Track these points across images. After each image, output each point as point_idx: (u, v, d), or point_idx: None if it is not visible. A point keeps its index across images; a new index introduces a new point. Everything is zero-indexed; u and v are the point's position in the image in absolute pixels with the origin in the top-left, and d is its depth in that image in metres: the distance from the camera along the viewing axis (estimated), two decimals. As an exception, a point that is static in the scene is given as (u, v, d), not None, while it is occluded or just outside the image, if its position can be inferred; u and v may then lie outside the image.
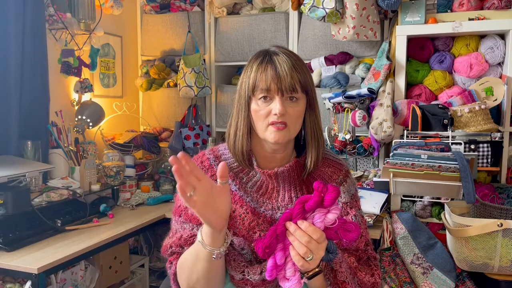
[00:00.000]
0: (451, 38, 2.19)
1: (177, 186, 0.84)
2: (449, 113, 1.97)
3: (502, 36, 2.11)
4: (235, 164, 1.13)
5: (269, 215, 1.09)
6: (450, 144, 1.90)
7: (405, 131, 2.03)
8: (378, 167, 2.39)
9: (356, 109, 2.15)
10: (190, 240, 1.06)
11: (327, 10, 2.16)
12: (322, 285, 0.98)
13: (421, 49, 2.22)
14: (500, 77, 2.09)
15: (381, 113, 2.09)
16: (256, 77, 1.03)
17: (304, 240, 0.87)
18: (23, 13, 2.03)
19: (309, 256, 0.87)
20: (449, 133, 1.94)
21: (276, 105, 1.01)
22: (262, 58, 1.05)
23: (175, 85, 2.76)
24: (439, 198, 2.05)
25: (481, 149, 1.96)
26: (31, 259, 1.60)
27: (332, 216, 0.88)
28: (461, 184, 1.72)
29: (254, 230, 1.07)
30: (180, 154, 0.85)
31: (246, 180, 1.13)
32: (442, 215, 1.89)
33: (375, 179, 2.15)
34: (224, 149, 1.16)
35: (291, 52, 1.07)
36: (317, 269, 0.91)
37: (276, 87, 1.01)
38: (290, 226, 0.90)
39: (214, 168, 1.14)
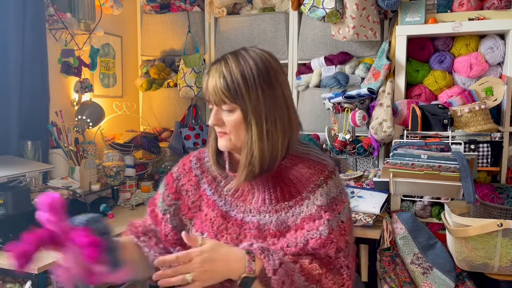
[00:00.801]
0: (451, 38, 2.19)
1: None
2: (449, 113, 1.97)
3: (502, 36, 2.11)
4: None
5: (239, 218, 1.09)
6: (450, 144, 1.90)
7: (405, 131, 2.03)
8: (378, 167, 2.39)
9: (356, 109, 2.16)
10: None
11: (327, 10, 2.16)
12: None
13: (421, 49, 2.22)
14: (500, 77, 2.09)
15: (381, 113, 2.09)
16: (203, 87, 1.08)
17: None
18: (23, 13, 2.03)
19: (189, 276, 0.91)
20: (449, 133, 1.94)
21: (211, 117, 1.06)
22: (210, 65, 1.06)
23: (175, 85, 2.76)
24: (439, 198, 2.05)
25: (481, 149, 1.96)
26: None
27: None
28: (461, 184, 1.72)
29: (222, 234, 1.08)
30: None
31: (224, 184, 1.14)
32: (442, 215, 1.89)
33: (375, 179, 2.15)
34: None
35: (245, 57, 1.02)
36: (244, 275, 0.91)
37: (210, 99, 1.04)
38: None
39: (193, 172, 1.17)
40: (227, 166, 1.13)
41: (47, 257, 1.61)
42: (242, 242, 1.06)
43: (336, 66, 2.40)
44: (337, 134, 2.26)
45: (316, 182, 1.06)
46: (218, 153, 1.14)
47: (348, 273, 1.04)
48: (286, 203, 1.06)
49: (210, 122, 1.06)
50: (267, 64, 1.03)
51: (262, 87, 1.01)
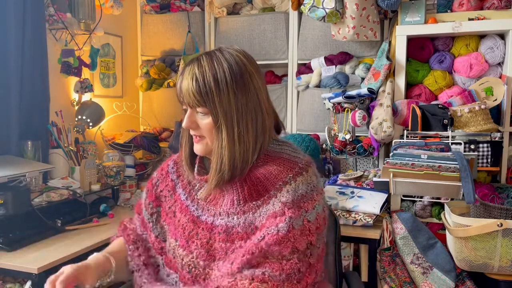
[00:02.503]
0: (451, 38, 2.19)
1: None
2: (449, 113, 1.97)
3: (502, 36, 2.11)
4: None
5: (209, 222, 1.07)
6: (450, 144, 1.90)
7: (405, 131, 2.03)
8: (378, 167, 2.39)
9: (356, 109, 2.15)
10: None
11: (327, 10, 2.16)
12: None
13: (421, 49, 2.22)
14: (500, 77, 2.09)
15: (381, 113, 2.09)
16: (176, 87, 1.05)
17: None
18: (23, 13, 2.03)
19: None
20: (449, 133, 1.94)
21: (184, 119, 1.04)
22: (185, 66, 1.04)
23: (175, 85, 2.76)
24: (439, 198, 2.05)
25: (481, 149, 1.96)
26: (31, 259, 1.59)
27: None
28: (461, 184, 1.72)
29: (193, 240, 1.07)
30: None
31: (198, 187, 1.13)
32: (442, 215, 1.89)
33: (375, 179, 2.15)
34: None
35: (219, 59, 1.00)
36: None
37: (184, 101, 1.02)
38: None
39: (170, 177, 1.18)
40: (195, 170, 1.11)
41: (47, 257, 1.61)
42: (213, 246, 1.04)
43: (336, 66, 2.40)
44: (337, 134, 2.26)
45: (284, 179, 1.02)
46: (192, 157, 1.13)
47: (298, 278, 0.97)
48: (254, 202, 1.02)
49: (184, 124, 1.04)
50: (242, 67, 1.01)
51: (235, 91, 0.99)
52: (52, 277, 1.00)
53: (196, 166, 1.12)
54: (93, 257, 1.11)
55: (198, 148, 1.07)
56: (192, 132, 1.06)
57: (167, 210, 1.16)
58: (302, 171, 1.04)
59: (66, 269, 1.01)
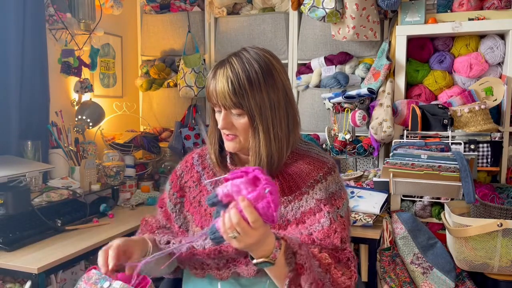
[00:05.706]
0: (451, 38, 2.19)
1: None
2: (449, 113, 1.97)
3: (502, 36, 2.11)
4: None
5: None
6: (450, 144, 1.90)
7: (405, 131, 2.03)
8: (378, 167, 2.39)
9: (356, 109, 2.16)
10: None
11: (327, 10, 2.16)
12: (276, 275, 0.93)
13: (421, 49, 2.22)
14: (500, 77, 2.09)
15: (381, 113, 2.09)
16: (207, 89, 1.07)
17: (235, 219, 0.83)
18: (23, 13, 2.03)
19: (232, 234, 0.83)
20: (449, 133, 1.94)
21: (220, 120, 1.06)
22: (215, 68, 1.06)
23: (175, 85, 2.76)
24: (439, 198, 2.05)
25: (481, 149, 1.96)
26: (31, 259, 1.59)
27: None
28: (461, 184, 1.72)
29: None
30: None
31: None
32: (442, 215, 1.89)
33: (375, 179, 2.15)
34: None
35: (250, 60, 1.03)
36: (261, 260, 0.87)
37: (219, 103, 1.04)
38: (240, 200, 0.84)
39: (195, 169, 1.21)
40: (228, 161, 1.15)
41: (47, 257, 1.61)
42: None
43: (336, 66, 2.40)
44: (337, 134, 2.26)
45: (316, 178, 1.08)
46: (220, 153, 1.16)
47: (355, 265, 1.04)
48: (285, 197, 1.07)
49: (220, 126, 1.07)
50: (271, 66, 1.05)
51: (267, 90, 1.03)
52: (104, 248, 0.99)
53: (227, 158, 1.15)
54: (133, 237, 1.10)
55: (230, 146, 1.09)
56: (226, 132, 1.08)
57: (191, 200, 1.19)
58: (331, 171, 1.11)
59: (116, 241, 1.01)
